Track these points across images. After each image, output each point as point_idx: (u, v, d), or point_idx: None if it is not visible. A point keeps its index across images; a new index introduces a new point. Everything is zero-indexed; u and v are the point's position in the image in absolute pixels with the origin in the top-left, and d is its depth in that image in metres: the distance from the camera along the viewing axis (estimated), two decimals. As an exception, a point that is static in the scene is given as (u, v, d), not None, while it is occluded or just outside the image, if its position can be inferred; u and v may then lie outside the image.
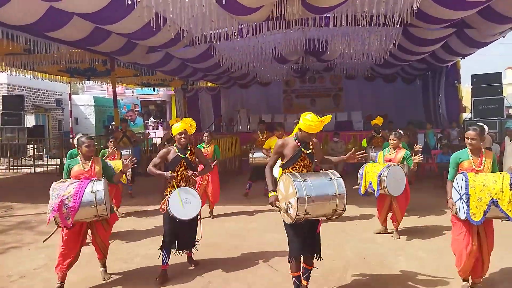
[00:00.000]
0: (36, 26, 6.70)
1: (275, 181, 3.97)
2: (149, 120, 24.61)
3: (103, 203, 3.93)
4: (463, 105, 14.29)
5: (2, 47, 8.09)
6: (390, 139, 5.88)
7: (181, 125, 4.38)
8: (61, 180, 4.07)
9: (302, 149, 3.75)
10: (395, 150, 5.81)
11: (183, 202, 4.21)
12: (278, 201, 3.66)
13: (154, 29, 6.77)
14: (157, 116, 26.34)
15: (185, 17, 6.54)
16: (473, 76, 12.41)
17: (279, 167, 3.88)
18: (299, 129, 3.74)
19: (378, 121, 8.63)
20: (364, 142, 8.91)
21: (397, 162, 5.63)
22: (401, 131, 6.12)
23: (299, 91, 18.68)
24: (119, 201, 6.94)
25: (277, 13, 7.13)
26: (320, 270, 4.50)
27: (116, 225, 6.39)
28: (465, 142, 3.94)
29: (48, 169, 13.17)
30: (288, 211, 3.49)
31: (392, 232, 5.74)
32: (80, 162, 4.25)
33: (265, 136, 8.81)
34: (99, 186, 3.99)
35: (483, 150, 3.89)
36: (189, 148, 4.48)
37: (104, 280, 4.35)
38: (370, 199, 7.53)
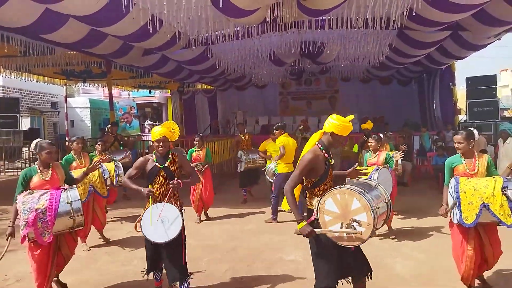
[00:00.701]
0: (32, 28, 6.68)
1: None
2: (145, 123, 24.56)
3: (81, 213, 3.73)
4: (458, 107, 14.37)
5: (-2, 49, 8.08)
6: (369, 142, 5.94)
7: (161, 130, 3.68)
8: (28, 191, 3.67)
9: (330, 160, 3.19)
10: (376, 153, 5.88)
11: (160, 221, 3.50)
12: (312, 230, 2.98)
13: (150, 31, 6.77)
14: (153, 119, 26.30)
15: (181, 19, 6.55)
16: (468, 79, 12.49)
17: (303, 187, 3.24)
18: (331, 133, 3.15)
19: (368, 125, 8.65)
20: (355, 148, 8.90)
21: (381, 165, 5.68)
22: (380, 135, 6.20)
23: (295, 93, 18.73)
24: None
25: (273, 15, 7.16)
26: (317, 271, 4.51)
27: (113, 228, 6.41)
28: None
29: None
30: (355, 230, 2.88)
31: (387, 234, 5.76)
32: (39, 171, 3.83)
33: (247, 137, 8.95)
34: (73, 195, 3.72)
35: (476, 153, 3.91)
36: (169, 156, 3.77)
37: None
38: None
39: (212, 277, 4.45)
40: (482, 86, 12.02)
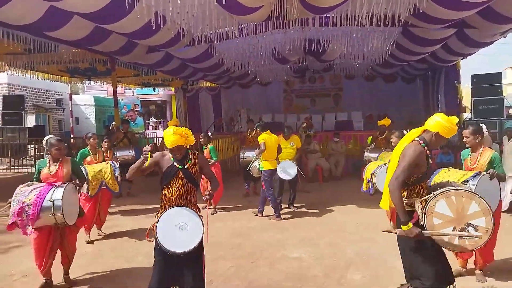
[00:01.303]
0: (37, 26, 6.70)
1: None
2: (150, 120, 24.64)
3: (61, 212, 3.83)
4: (463, 105, 14.28)
5: (3, 46, 8.09)
6: (392, 138, 6.04)
7: (173, 139, 3.21)
8: (27, 183, 4.02)
9: (430, 158, 3.06)
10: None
11: (178, 228, 3.12)
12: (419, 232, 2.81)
13: (154, 29, 6.78)
14: (157, 116, 26.37)
15: (185, 17, 6.55)
16: (473, 76, 12.40)
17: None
18: (436, 134, 3.00)
19: (386, 122, 8.64)
20: (369, 139, 8.96)
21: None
22: (404, 131, 6.22)
23: (299, 91, 18.68)
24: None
25: (277, 13, 7.14)
26: (321, 268, 4.53)
27: (118, 225, 6.45)
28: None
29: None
30: (471, 234, 2.75)
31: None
32: (48, 164, 4.17)
33: (254, 134, 8.97)
34: (58, 194, 3.86)
35: (481, 149, 4.03)
36: (190, 157, 3.39)
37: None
38: (370, 199, 7.56)
39: (216, 274, 4.47)
40: (487, 84, 11.94)
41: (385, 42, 9.58)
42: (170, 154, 3.32)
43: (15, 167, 13.80)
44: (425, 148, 2.97)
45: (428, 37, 8.99)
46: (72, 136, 18.63)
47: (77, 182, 4.30)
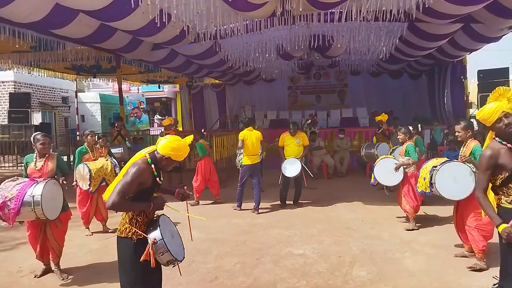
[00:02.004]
0: (42, 24, 6.74)
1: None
2: (155, 117, 24.70)
3: (40, 208, 3.93)
4: (470, 101, 14.16)
5: (9, 44, 8.14)
6: (399, 135, 6.13)
7: (165, 148, 2.80)
8: (12, 178, 4.14)
9: None
10: (404, 145, 6.02)
11: (171, 236, 2.90)
12: None
13: (159, 26, 6.78)
14: (162, 113, 26.42)
15: (190, 14, 6.55)
16: (479, 71, 12.31)
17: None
18: None
19: (383, 117, 8.69)
20: (374, 139, 9.09)
21: (402, 154, 5.94)
22: (410, 127, 6.38)
23: (304, 87, 18.63)
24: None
25: (282, 9, 7.12)
26: (326, 265, 4.53)
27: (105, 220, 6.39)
28: None
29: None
30: None
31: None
32: (34, 160, 4.31)
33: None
34: (38, 190, 3.97)
35: (466, 142, 4.41)
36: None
37: (62, 280, 4.31)
38: (376, 196, 7.54)
39: (221, 270, 4.48)
40: (494, 79, 11.84)
41: (391, 38, 9.51)
42: (152, 166, 2.78)
43: (21, 164, 13.88)
44: (504, 143, 2.76)
45: (435, 32, 8.92)
46: (78, 133, 18.72)
47: (61, 177, 4.48)
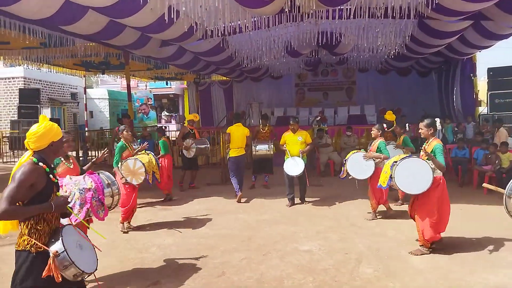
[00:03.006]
0: (52, 20, 6.80)
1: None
2: (162, 114, 24.80)
3: (118, 193, 3.92)
4: (479, 99, 14.04)
5: (19, 41, 8.23)
6: (372, 130, 6.57)
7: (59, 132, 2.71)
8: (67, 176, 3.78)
9: None
10: (375, 141, 6.46)
11: (79, 247, 2.64)
12: None
13: (167, 23, 6.81)
14: (170, 110, 26.52)
15: (198, 10, 6.56)
16: (489, 69, 12.18)
17: None
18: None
19: (390, 116, 8.66)
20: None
21: (374, 151, 6.34)
22: (384, 124, 6.91)
23: (311, 84, 18.59)
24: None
25: (290, 5, 7.10)
26: (333, 262, 4.54)
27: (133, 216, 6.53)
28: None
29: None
30: None
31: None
32: (62, 160, 4.05)
33: (266, 129, 9.13)
34: (110, 177, 3.91)
35: (431, 139, 4.76)
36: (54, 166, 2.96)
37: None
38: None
39: (228, 265, 4.52)
40: (504, 77, 11.72)
41: (400, 35, 9.44)
42: (41, 164, 2.54)
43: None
44: None
45: (444, 29, 8.83)
46: (86, 129, 18.88)
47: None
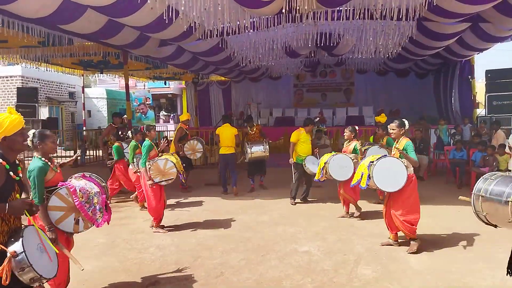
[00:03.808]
0: (51, 19, 6.78)
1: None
2: (160, 113, 24.79)
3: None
4: (477, 101, 14.08)
5: (17, 39, 8.20)
6: (345, 132, 6.72)
7: (20, 121, 2.65)
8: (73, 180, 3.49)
9: None
10: (349, 142, 6.61)
11: (39, 250, 2.54)
12: None
13: (166, 22, 6.80)
14: (168, 110, 26.51)
15: (197, 10, 6.56)
16: (487, 72, 12.21)
17: None
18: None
19: (382, 118, 8.68)
20: (371, 139, 9.05)
21: (349, 153, 6.49)
22: (356, 127, 6.88)
23: (310, 85, 18.62)
24: None
25: (289, 6, 7.11)
26: (331, 263, 4.54)
27: (130, 216, 6.55)
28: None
29: (62, 161, 13.37)
30: None
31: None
32: (50, 165, 3.34)
33: (255, 129, 9.16)
34: (103, 180, 3.73)
35: (400, 139, 4.96)
36: (17, 163, 2.69)
37: None
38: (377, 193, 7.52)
39: (227, 266, 4.51)
40: (502, 79, 11.76)
41: (399, 36, 9.47)
42: (1, 159, 2.45)
43: (29, 158, 14.01)
44: None
45: (443, 31, 8.87)
46: (84, 128, 18.84)
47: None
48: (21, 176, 2.57)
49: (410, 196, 4.86)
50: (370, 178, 4.88)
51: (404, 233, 4.92)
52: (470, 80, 13.08)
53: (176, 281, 4.17)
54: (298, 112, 17.03)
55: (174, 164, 5.76)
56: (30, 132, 3.31)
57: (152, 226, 5.92)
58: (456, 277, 4.12)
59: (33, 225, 2.61)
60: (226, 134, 8.42)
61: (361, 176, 5.05)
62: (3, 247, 2.32)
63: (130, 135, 7.18)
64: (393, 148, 5.05)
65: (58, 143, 3.98)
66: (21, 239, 2.35)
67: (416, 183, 4.95)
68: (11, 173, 2.44)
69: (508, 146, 7.49)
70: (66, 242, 3.36)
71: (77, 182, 3.42)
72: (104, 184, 3.70)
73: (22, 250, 2.31)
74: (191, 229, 5.97)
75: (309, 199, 7.68)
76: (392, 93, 17.24)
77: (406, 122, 5.03)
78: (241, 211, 7.02)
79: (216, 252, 4.96)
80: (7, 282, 2.23)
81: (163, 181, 5.73)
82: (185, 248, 5.13)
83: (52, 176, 3.31)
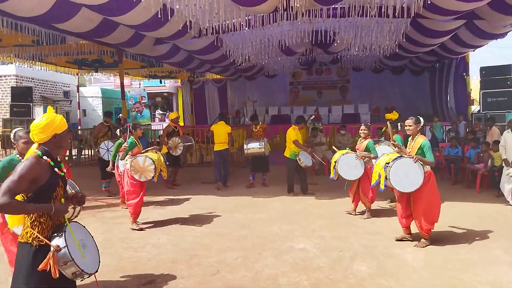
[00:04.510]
0: (45, 18, 6.74)
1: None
2: (156, 112, 24.72)
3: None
4: (472, 98, 14.15)
5: (11, 38, 8.16)
6: (360, 129, 6.68)
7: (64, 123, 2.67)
8: None
9: None
10: (362, 140, 6.55)
11: (82, 246, 2.57)
12: None
13: (161, 20, 6.78)
14: (163, 108, 26.44)
15: (193, 8, 6.54)
16: (482, 69, 12.27)
17: None
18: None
19: (393, 115, 8.73)
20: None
21: (361, 150, 6.42)
22: (368, 124, 6.96)
23: (305, 83, 18.63)
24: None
25: (285, 4, 7.10)
26: (327, 260, 4.56)
27: (127, 215, 6.50)
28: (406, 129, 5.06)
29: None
30: None
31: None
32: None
33: (258, 127, 9.42)
34: (75, 187, 3.63)
35: (416, 136, 4.95)
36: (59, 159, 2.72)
37: None
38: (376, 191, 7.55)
39: (223, 264, 4.52)
40: (496, 76, 11.82)
41: (394, 34, 9.49)
42: (45, 158, 2.50)
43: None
44: None
45: (437, 28, 8.89)
46: (79, 127, 18.74)
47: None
48: (64, 172, 2.67)
49: (430, 193, 4.89)
50: (387, 179, 4.95)
51: (420, 231, 4.97)
52: (465, 77, 13.14)
53: (172, 279, 4.17)
54: (294, 110, 17.03)
55: (153, 161, 5.79)
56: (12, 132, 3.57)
57: (136, 222, 6.01)
58: (451, 273, 4.15)
59: (76, 221, 2.71)
60: (220, 131, 8.74)
61: (379, 177, 5.16)
62: (47, 241, 2.40)
63: (119, 134, 7.14)
64: (408, 145, 5.06)
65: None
66: (64, 234, 2.43)
67: (435, 180, 4.98)
68: (56, 169, 2.53)
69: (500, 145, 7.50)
70: None
71: None
72: (77, 189, 3.62)
73: (65, 245, 2.38)
74: (188, 227, 5.96)
75: (303, 197, 7.70)
76: (387, 90, 17.29)
77: (422, 119, 5.07)
78: (237, 209, 7.03)
79: (213, 250, 4.96)
80: (57, 275, 2.33)
81: (142, 177, 5.79)
82: (182, 247, 5.13)
83: None
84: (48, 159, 2.51)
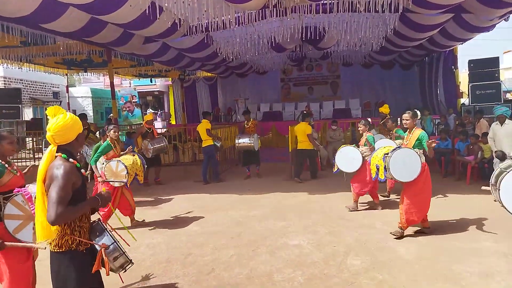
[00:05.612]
0: (32, 18, 6.64)
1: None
2: (147, 111, 24.54)
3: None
4: (461, 91, 14.27)
5: (-2, 40, 8.03)
6: (359, 126, 6.78)
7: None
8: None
9: None
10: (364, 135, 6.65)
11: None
12: None
13: (150, 19, 6.73)
14: (155, 107, 26.30)
15: (181, 6, 6.51)
16: (470, 61, 12.38)
17: None
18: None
19: (385, 109, 8.87)
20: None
21: (362, 145, 6.57)
22: (369, 119, 7.12)
23: (296, 79, 18.65)
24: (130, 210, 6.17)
25: (274, 0, 7.09)
26: (321, 255, 4.59)
27: (121, 216, 6.47)
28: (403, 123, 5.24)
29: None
30: None
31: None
32: (7, 167, 3.17)
33: (250, 124, 9.90)
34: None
35: (413, 129, 5.11)
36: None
37: None
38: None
39: (218, 262, 4.53)
40: (484, 69, 11.94)
41: (383, 28, 9.53)
42: (71, 160, 2.47)
43: (14, 160, 13.75)
44: None
45: (425, 22, 8.95)
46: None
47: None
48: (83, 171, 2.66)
49: (421, 185, 4.97)
50: (386, 170, 5.03)
51: (400, 219, 5.07)
52: (454, 70, 13.24)
53: (167, 279, 4.17)
54: (286, 107, 17.06)
55: (126, 167, 5.62)
56: None
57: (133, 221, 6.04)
58: (443, 265, 4.21)
59: (99, 219, 2.75)
60: (200, 129, 9.28)
61: (378, 169, 5.26)
62: (92, 242, 2.47)
63: (98, 136, 7.08)
64: (405, 138, 5.24)
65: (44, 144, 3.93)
66: (106, 231, 2.54)
67: (429, 172, 5.08)
68: (82, 170, 2.57)
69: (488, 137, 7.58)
70: (27, 251, 3.27)
71: (35, 188, 3.21)
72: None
73: (113, 241, 2.51)
74: (182, 227, 5.96)
75: (297, 193, 7.74)
76: (377, 85, 17.38)
77: (418, 112, 5.20)
78: (231, 207, 7.03)
79: (207, 249, 4.97)
80: (108, 274, 2.47)
81: (116, 182, 5.60)
82: (176, 246, 5.13)
83: (8, 180, 3.15)
84: (74, 161, 2.48)
